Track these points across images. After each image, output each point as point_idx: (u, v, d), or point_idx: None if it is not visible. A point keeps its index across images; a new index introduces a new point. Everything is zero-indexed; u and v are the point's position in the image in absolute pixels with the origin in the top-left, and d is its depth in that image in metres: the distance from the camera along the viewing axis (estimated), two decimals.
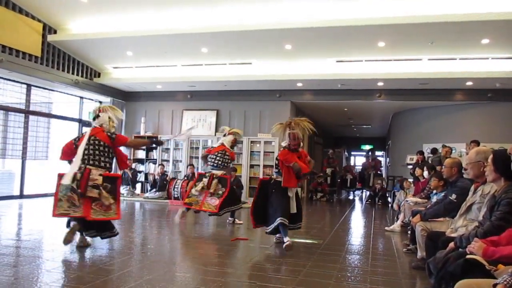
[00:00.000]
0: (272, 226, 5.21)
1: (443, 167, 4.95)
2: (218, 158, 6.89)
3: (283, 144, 5.40)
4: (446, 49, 8.44)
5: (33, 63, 9.22)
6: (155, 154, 12.14)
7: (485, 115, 10.60)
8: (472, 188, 3.59)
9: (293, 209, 5.28)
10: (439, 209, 4.32)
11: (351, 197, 15.46)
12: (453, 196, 4.16)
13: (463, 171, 4.44)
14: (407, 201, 6.72)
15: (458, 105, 10.88)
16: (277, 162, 5.59)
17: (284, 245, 5.01)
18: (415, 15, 7.18)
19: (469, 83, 9.62)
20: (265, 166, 10.88)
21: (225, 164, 6.97)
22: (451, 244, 2.93)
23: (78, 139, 4.99)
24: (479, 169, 3.36)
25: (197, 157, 11.50)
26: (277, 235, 5.58)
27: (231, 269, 4.25)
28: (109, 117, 5.06)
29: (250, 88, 11.14)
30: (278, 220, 5.07)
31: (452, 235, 3.36)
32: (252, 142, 11.19)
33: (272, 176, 5.44)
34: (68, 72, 10.26)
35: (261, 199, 5.44)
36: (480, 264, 2.31)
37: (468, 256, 2.41)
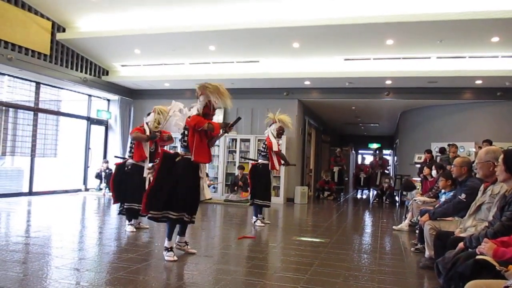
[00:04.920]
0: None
1: (452, 166, 4.91)
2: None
3: (193, 111, 4.48)
4: (455, 47, 8.36)
5: (42, 61, 9.29)
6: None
7: (495, 114, 10.50)
8: (482, 188, 3.56)
9: (208, 195, 4.58)
10: (448, 209, 4.29)
11: (358, 196, 15.42)
12: (463, 196, 4.13)
13: (474, 170, 4.40)
14: (415, 200, 6.69)
15: (467, 103, 10.79)
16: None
17: (165, 255, 4.30)
18: (424, 13, 7.12)
19: (478, 82, 9.54)
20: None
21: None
22: (461, 244, 2.91)
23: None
24: (489, 168, 3.33)
25: None
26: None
27: (238, 267, 4.26)
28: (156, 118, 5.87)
29: (258, 86, 11.13)
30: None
31: (461, 235, 3.33)
32: (259, 140, 11.17)
33: (180, 152, 4.54)
34: (76, 70, 10.32)
35: (162, 179, 4.42)
36: (490, 265, 2.28)
37: (478, 257, 2.39)
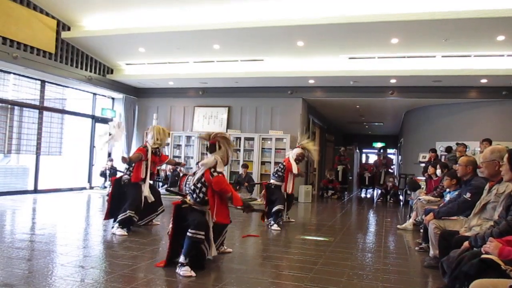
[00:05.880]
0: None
1: (457, 165, 4.89)
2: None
3: (212, 158, 4.28)
4: (460, 46, 8.32)
5: (47, 59, 9.33)
6: (166, 150, 12.18)
7: (500, 113, 10.44)
8: (487, 187, 3.55)
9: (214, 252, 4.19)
10: (453, 208, 4.27)
11: (363, 195, 15.40)
12: (468, 195, 4.11)
13: (477, 169, 4.39)
14: (419, 199, 6.66)
15: (472, 103, 10.74)
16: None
17: (181, 271, 3.75)
18: (429, 12, 7.09)
19: (484, 81, 9.49)
20: (276, 163, 10.85)
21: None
22: (466, 243, 2.90)
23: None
24: (494, 168, 3.32)
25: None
26: None
27: (243, 265, 4.26)
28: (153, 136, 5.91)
29: (262, 85, 11.13)
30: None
31: (466, 234, 3.32)
32: (263, 139, 11.19)
33: (188, 201, 4.13)
34: (81, 68, 10.36)
35: (178, 229, 4.05)
36: (496, 264, 2.28)
37: (483, 256, 2.38)
